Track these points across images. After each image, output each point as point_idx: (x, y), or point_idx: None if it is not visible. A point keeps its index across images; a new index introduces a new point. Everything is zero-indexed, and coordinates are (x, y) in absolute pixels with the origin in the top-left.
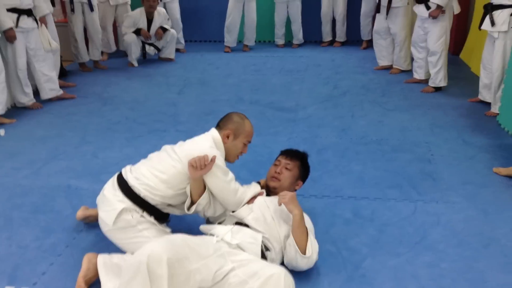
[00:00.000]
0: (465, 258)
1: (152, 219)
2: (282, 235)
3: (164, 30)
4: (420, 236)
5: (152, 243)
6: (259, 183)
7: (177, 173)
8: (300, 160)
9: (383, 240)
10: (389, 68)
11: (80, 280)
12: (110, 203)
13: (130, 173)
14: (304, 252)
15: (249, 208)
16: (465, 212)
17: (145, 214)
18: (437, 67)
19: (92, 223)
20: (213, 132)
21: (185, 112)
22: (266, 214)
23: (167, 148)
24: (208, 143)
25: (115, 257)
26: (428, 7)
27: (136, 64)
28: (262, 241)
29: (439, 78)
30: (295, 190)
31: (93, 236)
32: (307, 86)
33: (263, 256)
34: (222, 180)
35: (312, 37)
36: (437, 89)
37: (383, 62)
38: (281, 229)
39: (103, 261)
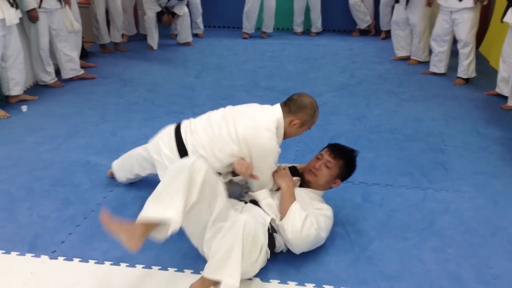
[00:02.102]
0: (472, 244)
1: None
2: None
3: (173, 15)
4: (428, 222)
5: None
6: (294, 167)
7: (232, 153)
8: (344, 159)
9: (391, 224)
10: (406, 58)
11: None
12: (168, 159)
13: (191, 136)
14: (282, 217)
15: (268, 193)
16: (475, 201)
17: None
18: (469, 58)
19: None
20: (278, 113)
21: (202, 95)
22: None
23: (227, 117)
24: (268, 134)
25: None
26: None
27: (155, 47)
28: (270, 223)
29: (471, 69)
30: (331, 187)
31: (111, 209)
32: (323, 74)
33: (271, 237)
34: (265, 175)
35: (331, 25)
36: (467, 80)
37: (400, 52)
38: None
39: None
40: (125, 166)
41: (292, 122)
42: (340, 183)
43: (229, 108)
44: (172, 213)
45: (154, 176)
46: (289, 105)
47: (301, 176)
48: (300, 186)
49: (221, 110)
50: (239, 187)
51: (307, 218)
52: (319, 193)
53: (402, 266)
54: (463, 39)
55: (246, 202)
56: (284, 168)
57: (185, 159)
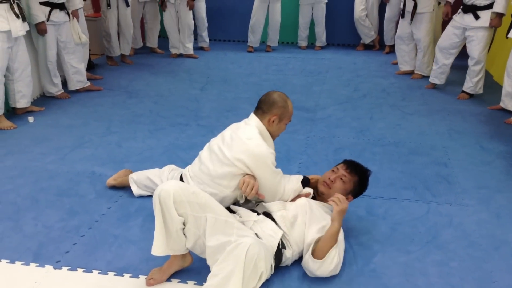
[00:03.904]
0: (475, 258)
1: None
2: (307, 241)
3: None
4: (432, 236)
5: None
6: (306, 178)
7: (233, 176)
8: (359, 176)
9: (395, 237)
10: (410, 73)
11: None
12: None
13: (192, 182)
14: (318, 257)
15: (282, 204)
16: (478, 215)
17: None
18: (479, 75)
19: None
20: (256, 122)
21: (207, 107)
22: (300, 217)
23: (215, 149)
24: (255, 141)
25: None
26: (477, 17)
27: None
28: (281, 238)
29: (479, 86)
30: None
31: (115, 219)
32: (328, 87)
33: (279, 252)
34: (270, 182)
35: (335, 40)
36: (471, 95)
37: (404, 67)
38: (309, 236)
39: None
40: (141, 182)
41: (270, 120)
42: (352, 199)
43: (212, 140)
44: (154, 249)
45: None
46: (261, 107)
47: (314, 189)
48: (314, 197)
49: (206, 146)
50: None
51: (336, 257)
52: (331, 208)
53: (406, 280)
54: (476, 57)
55: (258, 214)
56: (344, 199)
57: (157, 188)
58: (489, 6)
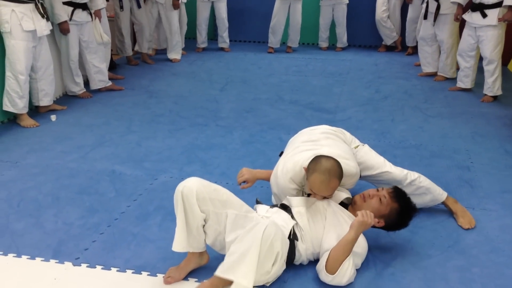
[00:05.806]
0: (498, 264)
1: None
2: (324, 246)
3: None
4: (453, 240)
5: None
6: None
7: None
8: (400, 205)
9: (415, 241)
10: (433, 75)
11: None
12: None
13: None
14: (331, 271)
15: (303, 201)
16: (502, 220)
17: None
18: (494, 75)
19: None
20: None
21: (226, 108)
22: (319, 221)
23: (295, 143)
24: (286, 174)
25: None
26: (484, 15)
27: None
28: (294, 228)
29: (496, 87)
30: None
31: (134, 218)
32: (348, 89)
33: (291, 244)
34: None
35: (356, 41)
36: (495, 97)
37: (427, 68)
38: (326, 242)
39: None
40: None
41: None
42: (383, 224)
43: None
44: (175, 245)
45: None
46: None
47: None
48: (344, 204)
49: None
50: None
51: (348, 269)
52: None
53: (425, 285)
54: (488, 56)
55: (272, 206)
56: (372, 216)
57: (179, 185)
58: (496, 5)
